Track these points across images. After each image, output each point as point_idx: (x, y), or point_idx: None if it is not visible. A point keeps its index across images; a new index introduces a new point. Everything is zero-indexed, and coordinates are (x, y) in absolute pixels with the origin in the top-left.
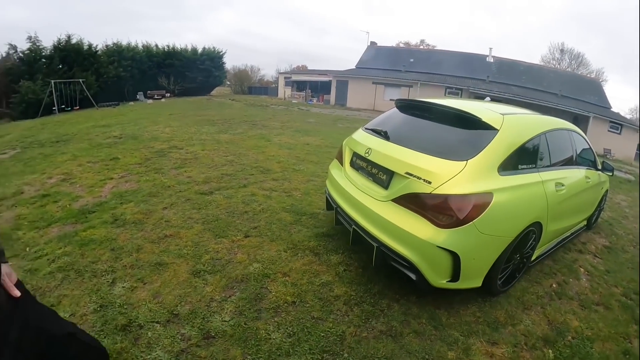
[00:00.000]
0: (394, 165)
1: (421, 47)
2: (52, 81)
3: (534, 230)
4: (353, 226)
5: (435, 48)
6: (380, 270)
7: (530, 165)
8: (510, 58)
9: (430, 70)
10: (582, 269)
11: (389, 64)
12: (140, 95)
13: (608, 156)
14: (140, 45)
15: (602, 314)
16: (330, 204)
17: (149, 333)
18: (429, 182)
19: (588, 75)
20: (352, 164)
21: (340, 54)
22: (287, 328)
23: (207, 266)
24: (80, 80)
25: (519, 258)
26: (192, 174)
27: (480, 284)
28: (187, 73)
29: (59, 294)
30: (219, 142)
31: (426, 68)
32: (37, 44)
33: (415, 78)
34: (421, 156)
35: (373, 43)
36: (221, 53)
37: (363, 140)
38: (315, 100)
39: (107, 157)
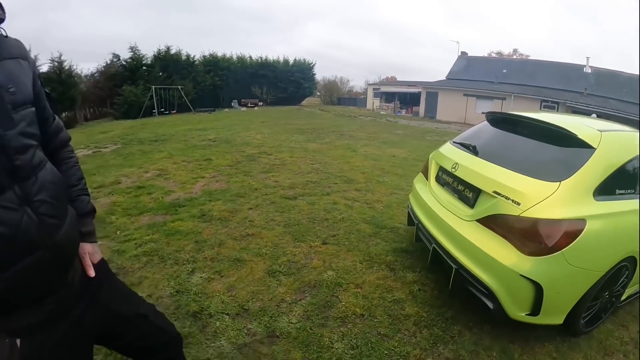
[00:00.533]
0: (482, 183)
1: (514, 56)
2: (153, 87)
3: (627, 266)
4: (433, 244)
5: (528, 58)
6: (456, 294)
7: (629, 191)
8: (610, 68)
9: (524, 82)
10: None
11: (480, 75)
12: (234, 103)
13: None
14: (234, 57)
15: None
16: (412, 219)
17: (217, 323)
18: (518, 204)
19: None
20: (438, 179)
21: (429, 64)
22: (351, 340)
23: (283, 268)
24: (179, 87)
25: (607, 296)
26: (278, 178)
27: (561, 322)
28: (278, 83)
29: (140, 275)
30: (307, 151)
31: (520, 79)
32: (138, 53)
33: (508, 90)
34: (511, 174)
35: (464, 53)
36: (311, 64)
37: (450, 154)
38: (403, 112)
39: (200, 157)
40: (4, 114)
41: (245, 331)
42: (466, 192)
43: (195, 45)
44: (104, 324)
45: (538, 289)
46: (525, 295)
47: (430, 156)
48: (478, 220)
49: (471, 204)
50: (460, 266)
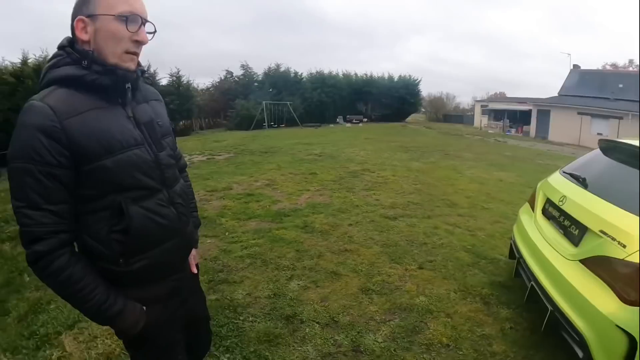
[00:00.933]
0: (589, 220)
1: (630, 68)
2: (264, 102)
3: None
4: (532, 282)
5: None
6: (548, 337)
7: None
8: None
9: None
10: None
11: (595, 90)
12: (340, 119)
13: None
14: (340, 74)
15: None
16: (514, 253)
17: (307, 329)
18: (624, 246)
19: None
20: (544, 212)
21: (539, 79)
22: None
23: (377, 287)
24: (288, 102)
25: None
26: (380, 197)
27: None
28: (383, 100)
29: (242, 275)
30: (410, 170)
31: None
32: (249, 70)
33: (626, 108)
34: (619, 212)
35: (576, 66)
36: (416, 81)
37: (558, 185)
38: (513, 131)
39: (307, 171)
40: (157, 140)
41: (332, 341)
42: (572, 229)
43: (300, 63)
44: (192, 314)
45: (632, 342)
46: (618, 347)
47: (538, 186)
48: (581, 261)
49: (576, 242)
50: (556, 308)
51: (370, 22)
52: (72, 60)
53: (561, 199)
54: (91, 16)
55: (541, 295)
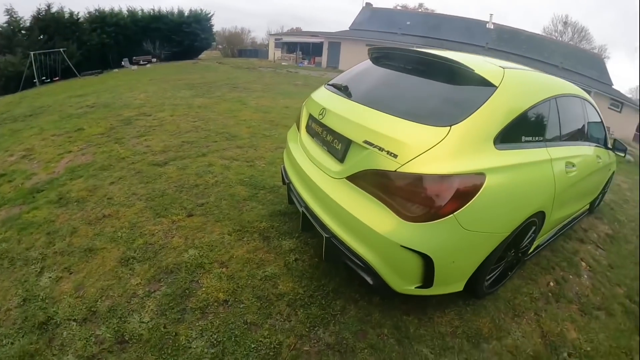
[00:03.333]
0: (351, 132)
1: (419, 10)
2: (32, 53)
3: (535, 222)
4: (302, 208)
5: (434, 12)
6: (338, 264)
7: (537, 138)
8: (511, 26)
9: (427, 34)
10: (583, 263)
11: (384, 26)
12: (125, 62)
13: (611, 135)
14: (124, 10)
15: (603, 322)
16: (284, 178)
17: (64, 333)
18: (395, 156)
19: (591, 50)
20: (308, 129)
21: (335, 16)
22: (211, 335)
23: (138, 253)
24: (61, 49)
25: (513, 254)
26: (151, 142)
27: (461, 288)
28: (173, 37)
29: None
30: (191, 107)
31: (423, 32)
32: (14, 16)
33: (411, 42)
34: (388, 119)
35: (368, 4)
36: (209, 15)
37: (320, 99)
38: (306, 63)
39: (72, 128)
40: None
41: (93, 339)
42: (335, 144)
43: (79, 2)
44: None
45: (427, 260)
46: (412, 267)
47: (303, 103)
48: (348, 178)
49: (340, 157)
50: (332, 235)
51: None
52: None
53: (321, 112)
54: None
55: (313, 222)
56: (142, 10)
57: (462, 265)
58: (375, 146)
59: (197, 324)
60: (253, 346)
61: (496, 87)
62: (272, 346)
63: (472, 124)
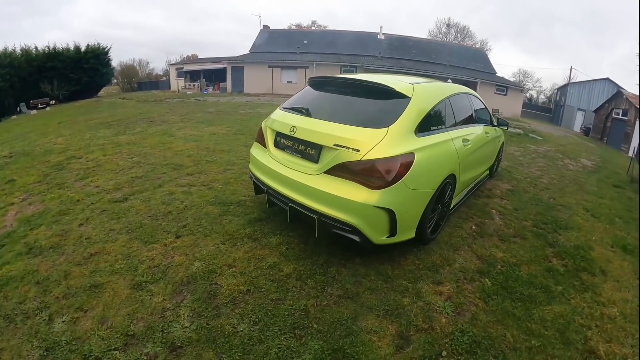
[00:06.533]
0: (322, 139)
1: (313, 27)
2: None
3: (450, 182)
4: (289, 204)
5: (327, 28)
6: (322, 241)
7: (440, 126)
8: (400, 34)
9: (324, 50)
10: (493, 210)
11: (283, 46)
12: (22, 107)
13: (496, 115)
14: (18, 50)
15: (520, 244)
16: (260, 188)
17: None
18: (358, 150)
19: (473, 46)
20: (277, 144)
21: (231, 39)
22: (250, 317)
23: (147, 276)
24: None
25: (440, 207)
26: (99, 182)
27: (414, 235)
28: (70, 74)
29: None
30: (119, 145)
31: (320, 48)
32: None
33: (310, 59)
34: (346, 128)
35: (266, 27)
36: (106, 49)
37: (284, 119)
38: (211, 89)
39: (1, 180)
40: None
41: (145, 357)
42: (309, 151)
43: None
44: None
45: (391, 214)
46: (382, 221)
47: (262, 124)
48: (326, 172)
49: (315, 159)
50: (321, 215)
51: None
52: None
53: (292, 129)
54: None
55: (303, 211)
56: (36, 48)
57: (412, 215)
58: (343, 147)
59: (234, 313)
60: (287, 314)
61: (410, 98)
62: (301, 309)
63: (400, 123)
